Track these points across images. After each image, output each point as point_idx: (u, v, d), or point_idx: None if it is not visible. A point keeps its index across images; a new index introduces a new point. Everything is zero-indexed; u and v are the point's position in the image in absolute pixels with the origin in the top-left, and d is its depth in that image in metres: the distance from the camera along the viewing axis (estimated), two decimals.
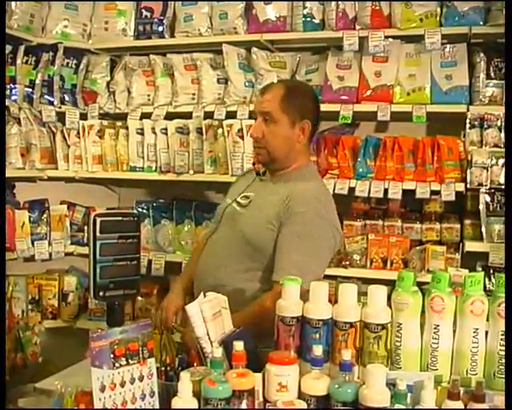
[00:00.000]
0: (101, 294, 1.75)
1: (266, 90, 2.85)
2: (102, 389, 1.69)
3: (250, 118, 4.09)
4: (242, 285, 2.72)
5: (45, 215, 4.42)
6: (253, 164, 3.04)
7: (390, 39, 3.96)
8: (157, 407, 1.81)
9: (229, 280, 2.71)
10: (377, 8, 3.93)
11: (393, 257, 3.86)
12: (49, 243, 4.40)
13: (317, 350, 1.89)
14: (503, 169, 3.53)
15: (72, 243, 4.52)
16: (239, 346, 1.83)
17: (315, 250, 2.67)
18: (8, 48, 4.11)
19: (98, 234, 1.72)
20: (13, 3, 4.16)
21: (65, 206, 4.57)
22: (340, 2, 3.97)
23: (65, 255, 4.45)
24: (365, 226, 4.03)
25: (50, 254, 4.39)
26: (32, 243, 4.29)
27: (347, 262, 3.90)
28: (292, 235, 2.62)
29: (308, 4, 4.08)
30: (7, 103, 4.10)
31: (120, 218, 1.80)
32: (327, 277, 3.65)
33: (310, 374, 1.89)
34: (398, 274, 2.07)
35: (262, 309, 2.52)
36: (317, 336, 2.00)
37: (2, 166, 3.05)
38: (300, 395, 1.88)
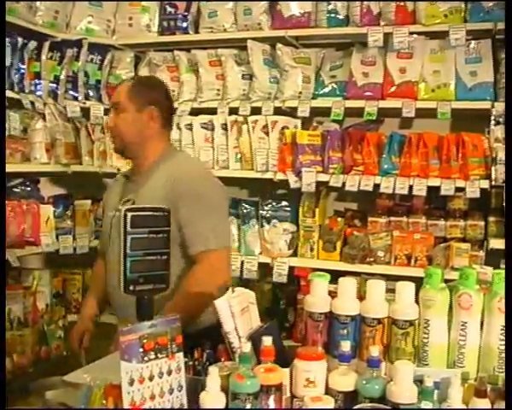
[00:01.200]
0: (131, 288, 1.75)
1: (118, 85, 3.15)
2: (131, 383, 1.69)
3: (275, 114, 4.11)
4: None
5: (70, 210, 4.44)
6: (118, 170, 3.13)
7: (414, 35, 3.95)
8: (185, 401, 1.82)
9: None
10: (401, 4, 3.91)
11: (417, 254, 3.84)
12: (74, 238, 4.42)
13: (345, 346, 1.89)
14: None
15: (96, 238, 4.52)
16: (267, 341, 1.84)
17: (215, 212, 2.84)
18: (33, 44, 4.12)
19: (129, 228, 1.73)
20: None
21: (89, 201, 4.59)
22: None
23: (89, 250, 4.46)
24: (389, 223, 4.02)
25: (75, 249, 4.41)
26: (57, 238, 4.30)
27: (371, 259, 3.89)
28: (192, 208, 2.74)
29: (332, 0, 4.08)
30: (32, 98, 4.11)
31: (151, 213, 1.81)
32: (351, 273, 3.70)
33: (337, 370, 1.90)
34: (426, 271, 2.07)
35: (198, 283, 2.64)
36: (345, 332, 2.00)
37: (2, 166, 3.07)
38: (328, 391, 1.89)
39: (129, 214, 1.73)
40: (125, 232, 1.73)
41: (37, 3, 4.17)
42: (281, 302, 4.21)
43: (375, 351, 1.85)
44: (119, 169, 3.14)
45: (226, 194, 3.02)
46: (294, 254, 4.11)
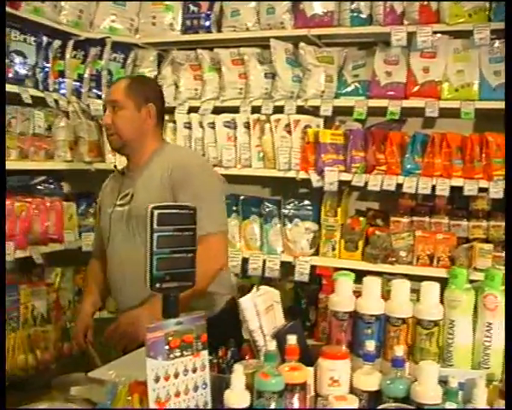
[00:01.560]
0: (157, 285, 1.76)
1: (114, 83, 3.18)
2: (157, 380, 1.70)
3: (298, 113, 4.11)
4: None
5: (92, 207, 4.46)
6: (115, 167, 3.18)
7: (438, 35, 3.92)
8: (209, 398, 1.82)
9: None
10: (425, 3, 3.90)
11: (440, 254, 3.82)
12: None
13: (370, 346, 1.89)
14: None
15: None
16: (292, 340, 1.84)
17: (212, 196, 2.89)
18: (58, 43, 4.15)
19: (155, 226, 1.73)
20: None
21: None
22: None
23: None
24: (412, 223, 4.01)
25: None
26: (80, 235, 4.34)
27: (393, 259, 3.88)
28: (188, 194, 2.75)
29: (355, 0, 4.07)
30: (56, 97, 4.14)
31: (177, 210, 1.81)
32: (373, 273, 3.70)
33: (362, 369, 1.90)
34: (452, 271, 2.07)
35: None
36: (370, 331, 2.00)
37: (2, 166, 3.08)
38: (352, 390, 1.89)
39: (155, 212, 1.74)
40: (151, 230, 1.73)
41: (62, 3, 4.20)
42: (302, 301, 4.21)
43: (399, 351, 1.85)
44: (115, 166, 3.14)
45: (221, 180, 3.08)
46: (316, 254, 4.11)
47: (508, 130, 2.45)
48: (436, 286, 2.02)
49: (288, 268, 4.15)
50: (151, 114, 3.02)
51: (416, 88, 3.96)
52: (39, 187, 4.32)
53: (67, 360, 4.14)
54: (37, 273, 4.18)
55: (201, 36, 4.48)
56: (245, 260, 4.20)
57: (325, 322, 4.05)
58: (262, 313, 2.01)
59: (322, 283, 4.14)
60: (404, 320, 1.99)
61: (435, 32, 3.88)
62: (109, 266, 3.06)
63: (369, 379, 1.87)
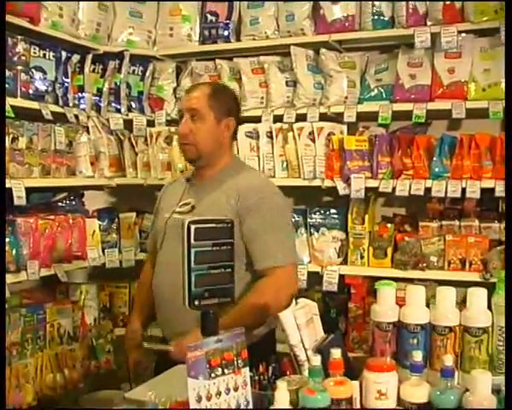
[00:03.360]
0: (196, 303, 1.71)
1: (193, 89, 3.02)
2: (199, 400, 1.65)
3: (321, 120, 4.05)
4: None
5: (115, 223, 4.43)
6: (181, 172, 3.08)
7: (463, 34, 3.85)
8: None
9: None
10: (448, 2, 3.82)
11: (472, 258, 3.74)
12: (120, 251, 4.41)
13: (417, 356, 1.83)
14: None
15: (141, 251, 4.49)
16: (336, 354, 1.78)
17: (284, 227, 2.85)
18: (76, 57, 4.13)
19: (193, 242, 1.68)
20: (80, 14, 4.20)
21: (134, 213, 4.57)
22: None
23: (135, 263, 4.43)
24: (441, 227, 3.93)
25: (121, 262, 4.39)
26: (103, 251, 4.30)
27: (424, 264, 3.80)
28: (259, 222, 2.73)
29: (377, 2, 4.00)
30: (76, 112, 4.12)
31: (214, 224, 1.76)
32: (404, 280, 3.63)
33: (409, 381, 1.84)
34: (499, 276, 1.99)
35: (264, 299, 2.62)
36: (415, 341, 1.95)
37: (2, 168, 3.05)
38: (400, 403, 1.82)
39: (192, 227, 1.68)
40: (188, 246, 1.68)
41: (80, 17, 4.17)
42: (331, 311, 4.14)
43: (448, 360, 1.78)
44: (182, 171, 3.07)
45: (291, 209, 2.97)
46: (344, 262, 4.04)
47: (508, 130, 2.41)
48: (483, 292, 1.95)
49: (315, 278, 4.08)
50: (229, 128, 2.96)
51: (442, 90, 3.88)
52: (61, 204, 4.29)
53: (95, 377, 4.11)
54: (61, 291, 4.16)
55: (220, 46, 4.43)
56: None
57: (355, 332, 4.01)
58: (302, 326, 1.95)
59: (350, 292, 4.08)
60: (450, 328, 1.93)
61: (460, 32, 3.81)
62: (157, 270, 3.00)
63: (418, 391, 1.81)
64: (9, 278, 3.48)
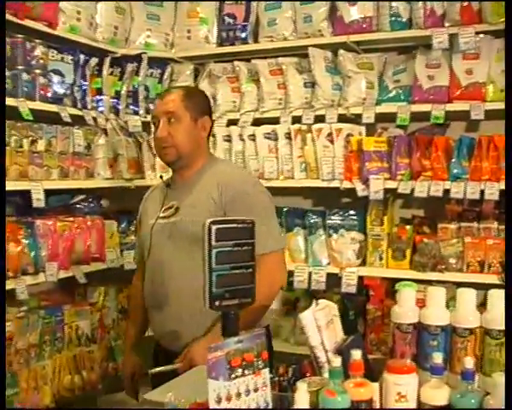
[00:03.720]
0: (216, 303, 1.70)
1: (166, 94, 3.02)
2: (219, 401, 1.64)
3: (339, 121, 4.04)
4: None
5: (133, 225, 4.43)
6: (161, 177, 3.11)
7: (481, 35, 3.83)
8: None
9: (195, 289, 2.32)
10: (466, 3, 3.80)
11: (491, 260, 3.72)
12: None
13: (438, 358, 1.81)
14: None
15: None
16: (357, 355, 1.77)
17: (269, 214, 2.87)
18: (95, 60, 4.15)
19: (214, 242, 1.67)
20: (97, 17, 4.22)
21: None
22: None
23: None
24: (460, 229, 3.91)
25: None
26: (121, 253, 4.31)
27: (443, 266, 3.79)
28: (245, 212, 2.61)
29: (394, 3, 4.00)
30: (94, 115, 4.13)
31: (235, 225, 1.75)
32: (422, 281, 3.60)
33: (429, 383, 1.81)
34: None
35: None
36: (436, 343, 1.93)
37: (2, 169, 3.06)
38: (420, 405, 1.81)
39: (213, 227, 1.68)
40: (209, 246, 1.67)
41: (98, 21, 4.21)
42: (350, 313, 4.12)
43: (469, 363, 1.76)
44: (161, 176, 3.09)
45: (272, 197, 3.00)
46: (363, 264, 4.03)
47: (508, 130, 2.39)
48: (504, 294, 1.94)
49: (334, 280, 4.07)
50: (205, 127, 2.99)
51: (460, 91, 3.86)
52: (79, 206, 4.31)
53: (113, 379, 4.12)
54: (80, 293, 4.17)
55: (238, 47, 4.44)
56: (289, 273, 4.12)
57: (374, 334, 4.00)
58: (323, 327, 1.94)
59: (369, 294, 4.06)
60: (471, 331, 1.91)
61: (477, 33, 3.79)
62: (147, 278, 2.99)
63: (439, 393, 1.79)
64: (28, 280, 3.52)
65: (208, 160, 3.01)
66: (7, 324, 3.39)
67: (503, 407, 1.72)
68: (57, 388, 3.73)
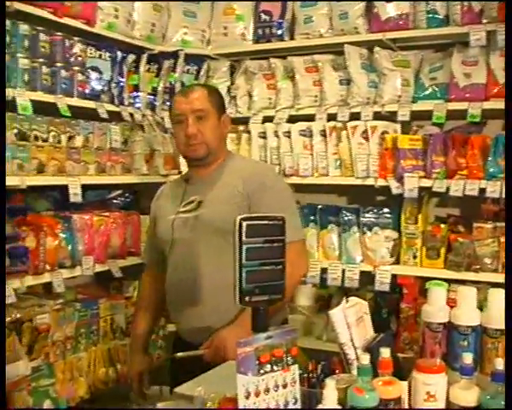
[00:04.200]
0: (246, 299, 1.71)
1: (189, 92, 3.03)
2: (247, 396, 1.66)
3: (374, 119, 4.04)
4: None
5: None
6: (179, 172, 3.13)
7: None
8: None
9: (223, 280, 2.53)
10: None
11: None
12: None
13: (468, 358, 1.80)
14: None
15: None
16: (386, 353, 1.77)
17: (291, 205, 2.96)
18: (132, 57, 4.18)
19: (244, 238, 1.69)
20: (135, 15, 4.26)
21: None
22: None
23: None
24: (496, 229, 3.86)
25: None
26: None
27: (478, 266, 3.75)
28: (268, 203, 2.78)
29: (431, 0, 3.96)
30: (131, 111, 4.17)
31: (266, 221, 1.77)
32: (457, 281, 3.58)
33: (459, 383, 1.81)
34: None
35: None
36: (466, 343, 1.93)
37: (2, 168, 3.09)
38: (448, 406, 1.81)
39: (244, 223, 1.69)
40: (240, 242, 1.69)
41: (135, 18, 4.25)
42: (383, 311, 4.11)
43: (500, 364, 1.75)
44: (180, 172, 3.13)
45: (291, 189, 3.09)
46: (397, 262, 4.01)
47: (508, 130, 2.37)
48: None
49: (367, 277, 4.07)
50: (226, 124, 3.08)
51: (498, 89, 3.81)
52: (116, 201, 4.36)
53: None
54: (115, 287, 4.21)
55: (274, 44, 4.46)
56: (323, 270, 4.14)
57: (407, 332, 3.98)
58: (353, 324, 1.94)
59: (402, 292, 4.04)
60: (502, 331, 1.90)
61: None
62: (171, 274, 3.00)
63: (468, 394, 1.78)
64: (65, 273, 3.56)
65: (227, 155, 3.08)
66: (43, 316, 3.45)
67: (504, 408, 1.71)
68: (92, 380, 3.78)
